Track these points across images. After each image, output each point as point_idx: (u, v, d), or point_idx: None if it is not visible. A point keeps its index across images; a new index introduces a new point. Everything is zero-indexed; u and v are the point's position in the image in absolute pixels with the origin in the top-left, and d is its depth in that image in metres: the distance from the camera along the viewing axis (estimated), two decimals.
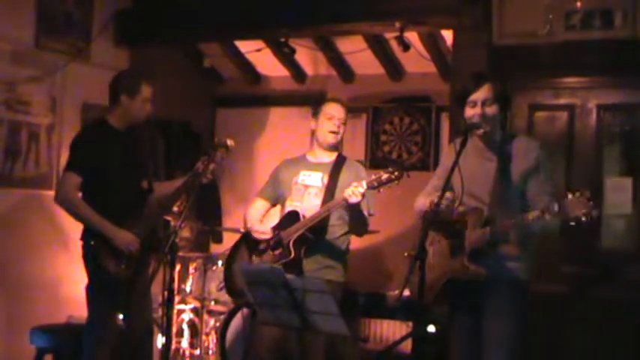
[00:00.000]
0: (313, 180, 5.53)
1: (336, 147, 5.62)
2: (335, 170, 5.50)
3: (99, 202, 5.50)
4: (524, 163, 4.51)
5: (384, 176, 4.89)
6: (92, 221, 5.49)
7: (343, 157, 5.63)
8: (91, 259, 5.54)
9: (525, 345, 4.54)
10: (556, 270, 6.00)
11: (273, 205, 5.78)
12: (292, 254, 5.28)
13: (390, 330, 7.34)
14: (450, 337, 4.83)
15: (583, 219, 4.09)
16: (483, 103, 4.54)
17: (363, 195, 4.98)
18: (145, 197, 5.63)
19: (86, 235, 5.56)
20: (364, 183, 4.94)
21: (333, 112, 5.52)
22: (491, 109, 4.55)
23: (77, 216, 5.56)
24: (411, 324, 7.00)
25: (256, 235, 5.51)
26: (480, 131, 4.56)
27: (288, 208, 5.52)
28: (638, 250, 6.08)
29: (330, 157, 5.59)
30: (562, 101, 6.34)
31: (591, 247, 6.16)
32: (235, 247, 5.78)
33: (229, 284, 5.74)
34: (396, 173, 4.87)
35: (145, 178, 5.68)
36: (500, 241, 4.46)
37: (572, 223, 4.11)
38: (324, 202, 5.37)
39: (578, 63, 6.09)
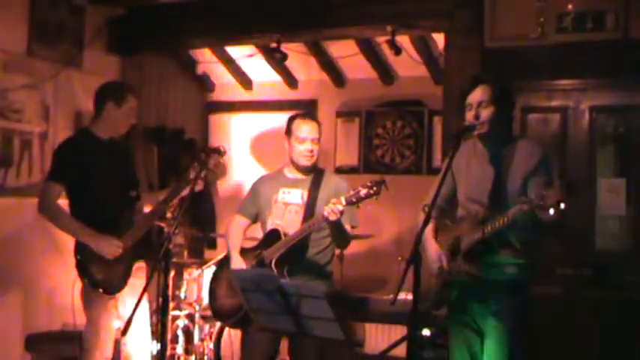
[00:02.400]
0: (293, 197, 5.43)
1: (312, 167, 5.49)
2: (314, 186, 5.42)
3: (85, 211, 5.54)
4: (526, 166, 4.47)
5: (363, 192, 4.81)
6: (72, 229, 5.54)
7: (321, 171, 5.54)
8: (81, 271, 5.55)
9: (524, 347, 4.53)
10: (551, 271, 6.00)
11: (254, 221, 5.68)
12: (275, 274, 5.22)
13: (385, 334, 7.34)
14: (449, 340, 4.82)
15: (551, 211, 4.05)
16: (479, 105, 4.52)
17: (342, 212, 4.91)
18: (132, 205, 5.65)
19: (75, 249, 5.58)
20: (343, 199, 4.86)
21: (305, 134, 5.39)
22: (487, 111, 4.51)
23: (58, 224, 5.62)
24: (405, 328, 7.00)
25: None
26: (476, 133, 4.54)
27: (270, 226, 5.44)
28: (633, 250, 6.08)
29: (308, 173, 5.49)
30: (555, 103, 6.35)
31: (585, 249, 6.16)
32: (218, 270, 5.76)
33: (215, 306, 5.71)
34: (375, 188, 4.78)
35: (132, 187, 5.70)
36: (495, 241, 4.44)
37: (552, 212, 4.07)
38: (305, 219, 5.30)
39: (571, 65, 6.10)
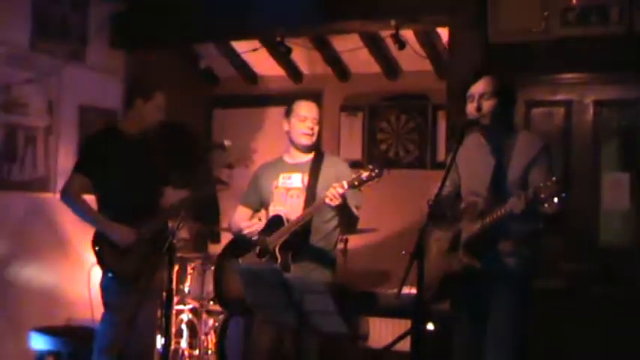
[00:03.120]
0: (293, 182, 5.43)
1: (312, 147, 5.50)
2: (314, 169, 5.40)
3: (107, 203, 5.69)
4: (526, 157, 4.48)
5: (364, 174, 4.82)
6: (89, 218, 5.69)
7: (321, 154, 5.53)
8: (98, 261, 5.68)
9: (527, 341, 4.53)
10: (555, 266, 5.99)
11: (256, 211, 5.69)
12: (279, 260, 5.22)
13: (389, 328, 7.34)
14: (453, 335, 4.82)
15: (546, 205, 4.06)
16: (481, 97, 4.51)
17: (344, 195, 4.90)
18: (155, 200, 5.73)
19: (93, 239, 5.69)
20: (344, 183, 4.86)
21: (305, 112, 5.42)
22: (489, 103, 4.51)
23: (77, 213, 5.74)
24: (409, 322, 7.00)
25: (248, 231, 5.42)
26: (478, 125, 4.54)
27: (272, 213, 5.44)
28: (637, 245, 6.07)
29: (307, 156, 5.48)
30: (559, 97, 6.34)
31: (589, 243, 6.16)
32: (222, 257, 5.75)
33: (220, 295, 5.72)
34: (376, 171, 4.79)
35: (157, 183, 5.80)
36: (495, 235, 4.44)
37: (547, 206, 4.07)
38: (306, 202, 5.29)
39: (575, 59, 6.09)
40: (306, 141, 5.42)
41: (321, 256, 5.37)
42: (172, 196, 5.80)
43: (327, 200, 4.90)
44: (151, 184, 5.74)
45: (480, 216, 4.43)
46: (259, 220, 5.52)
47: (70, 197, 5.72)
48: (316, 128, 5.43)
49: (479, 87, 4.55)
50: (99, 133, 5.92)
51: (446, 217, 4.71)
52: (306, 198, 5.32)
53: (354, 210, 5.25)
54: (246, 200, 5.71)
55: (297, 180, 5.42)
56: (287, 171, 5.48)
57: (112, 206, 5.64)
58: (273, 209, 5.44)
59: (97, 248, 5.64)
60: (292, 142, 5.49)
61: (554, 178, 4.07)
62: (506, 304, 4.49)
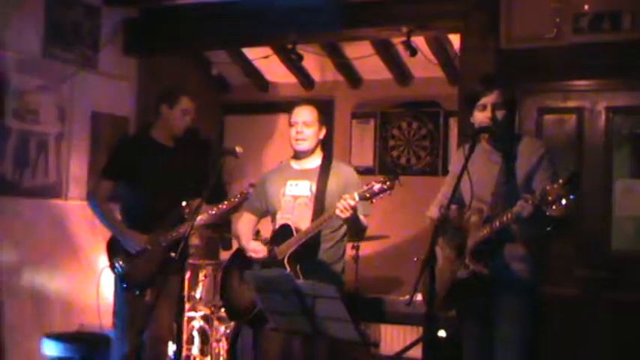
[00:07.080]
0: (301, 190, 5.34)
1: (313, 151, 5.41)
2: (322, 177, 5.31)
3: (130, 209, 5.81)
4: (529, 162, 4.52)
5: (376, 187, 4.70)
6: (107, 222, 5.79)
7: (329, 161, 5.42)
8: (110, 264, 5.79)
9: (537, 348, 4.52)
10: (568, 273, 5.98)
11: (262, 217, 5.63)
12: (288, 271, 5.11)
13: (401, 335, 7.33)
14: (462, 343, 4.82)
15: (554, 208, 4.03)
16: (494, 107, 4.54)
17: (355, 208, 4.82)
18: (179, 210, 5.75)
19: (107, 243, 5.82)
20: (356, 195, 4.77)
21: (295, 117, 5.36)
22: (501, 113, 4.56)
23: (98, 218, 5.85)
24: (421, 329, 6.99)
25: (251, 255, 5.36)
26: (488, 135, 4.56)
27: (280, 221, 5.36)
28: None
29: (315, 163, 5.40)
30: (571, 104, 6.32)
31: (602, 250, 6.13)
32: (228, 267, 5.72)
33: (227, 305, 5.71)
34: (388, 183, 4.68)
35: (185, 194, 5.77)
36: (502, 240, 4.44)
37: (554, 208, 4.05)
38: (315, 212, 5.21)
39: (587, 66, 6.07)
40: (296, 146, 5.37)
41: (330, 267, 5.31)
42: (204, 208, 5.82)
43: (338, 212, 4.84)
44: (177, 193, 5.74)
45: (485, 222, 4.44)
46: (264, 242, 5.48)
47: (93, 203, 5.84)
48: (308, 132, 5.34)
49: (492, 98, 4.57)
50: (129, 139, 5.98)
51: (451, 225, 4.72)
52: (314, 207, 5.25)
53: (363, 219, 5.20)
54: (251, 207, 5.63)
55: (304, 188, 5.34)
56: (294, 177, 5.40)
57: (135, 213, 5.70)
58: (281, 217, 5.37)
59: (109, 251, 5.73)
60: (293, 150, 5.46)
61: (560, 181, 4.05)
62: (514, 310, 4.49)
